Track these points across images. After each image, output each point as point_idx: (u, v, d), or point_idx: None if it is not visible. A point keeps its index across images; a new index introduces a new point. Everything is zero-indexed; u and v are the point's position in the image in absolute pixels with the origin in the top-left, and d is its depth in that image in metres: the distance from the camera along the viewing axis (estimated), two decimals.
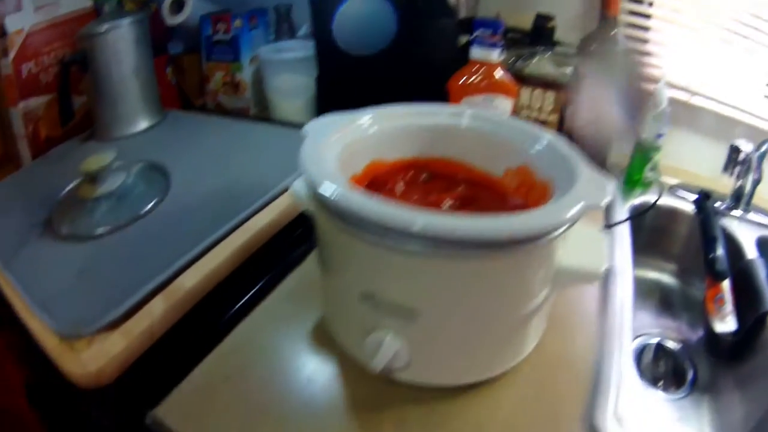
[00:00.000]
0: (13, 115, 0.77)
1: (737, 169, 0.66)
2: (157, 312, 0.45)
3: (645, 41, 0.80)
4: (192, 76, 0.94)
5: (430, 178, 0.50)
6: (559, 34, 0.75)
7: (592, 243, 0.41)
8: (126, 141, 0.74)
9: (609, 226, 0.64)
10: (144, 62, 0.75)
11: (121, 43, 0.71)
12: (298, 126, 0.77)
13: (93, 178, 0.56)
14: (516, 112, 0.75)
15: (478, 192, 0.48)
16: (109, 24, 0.70)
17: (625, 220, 0.66)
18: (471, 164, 0.50)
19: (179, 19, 0.86)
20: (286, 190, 0.57)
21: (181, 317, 0.46)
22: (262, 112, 0.92)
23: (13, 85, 0.75)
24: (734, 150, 0.65)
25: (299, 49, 0.84)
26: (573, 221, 0.35)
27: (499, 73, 0.60)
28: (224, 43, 0.88)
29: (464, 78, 0.61)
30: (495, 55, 0.59)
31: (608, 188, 0.38)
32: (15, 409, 0.69)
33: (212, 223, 0.52)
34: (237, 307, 0.50)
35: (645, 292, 0.74)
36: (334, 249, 0.41)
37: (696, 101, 0.78)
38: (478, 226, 0.32)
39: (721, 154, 0.80)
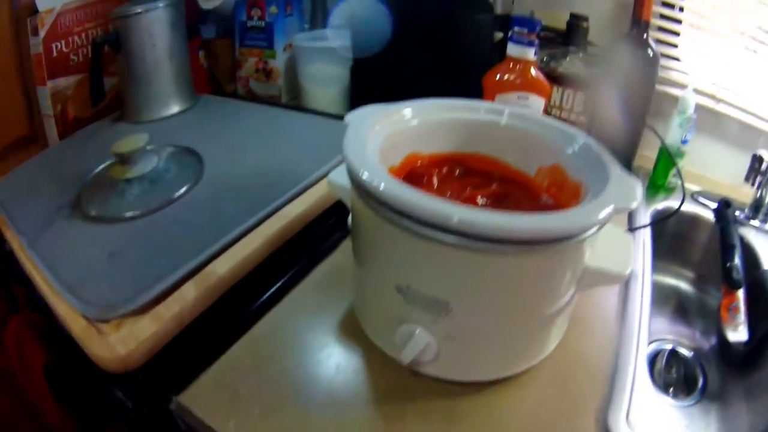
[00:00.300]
0: (41, 94, 0.77)
1: (759, 178, 0.66)
2: (188, 297, 0.45)
3: (674, 45, 0.80)
4: (224, 61, 0.94)
5: (465, 174, 0.50)
6: (591, 35, 0.74)
7: (619, 244, 0.43)
8: (157, 124, 0.74)
9: (632, 229, 0.65)
10: (178, 45, 0.75)
11: (156, 26, 0.72)
12: (332, 116, 0.79)
13: (125, 160, 0.57)
14: (546, 111, 0.75)
15: (511, 189, 0.49)
16: (144, 6, 0.71)
17: (648, 224, 0.66)
18: (505, 161, 0.51)
19: (214, 3, 0.86)
20: (320, 179, 0.58)
21: (211, 304, 0.47)
22: (293, 100, 0.93)
23: (42, 64, 0.75)
24: (757, 159, 0.64)
25: (335, 38, 0.84)
26: (604, 223, 0.36)
27: (533, 72, 0.60)
28: (258, 30, 0.88)
29: (499, 74, 0.61)
30: (531, 53, 0.59)
31: (638, 191, 0.39)
32: (33, 394, 0.69)
33: (245, 210, 0.52)
34: (267, 295, 0.50)
35: (662, 297, 0.75)
36: (371, 240, 0.41)
37: (721, 108, 0.78)
38: (514, 223, 0.33)
39: (744, 163, 0.80)
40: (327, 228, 0.56)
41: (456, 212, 0.33)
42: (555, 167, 0.47)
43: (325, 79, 0.85)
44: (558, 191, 0.47)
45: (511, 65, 0.60)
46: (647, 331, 0.53)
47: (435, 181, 0.48)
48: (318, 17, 0.92)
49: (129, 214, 0.54)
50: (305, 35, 0.89)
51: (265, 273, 0.51)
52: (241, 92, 0.96)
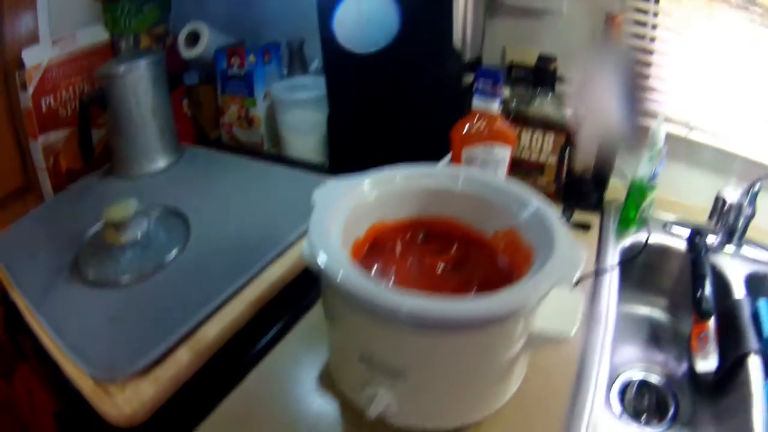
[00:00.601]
0: (34, 148, 0.84)
1: (723, 219, 0.71)
2: (182, 360, 0.52)
3: (646, 76, 0.86)
4: (208, 107, 1.01)
5: (427, 237, 0.57)
6: (562, 70, 0.80)
7: (567, 305, 0.48)
8: (145, 179, 0.82)
9: (598, 272, 0.71)
10: (161, 102, 0.82)
11: (139, 84, 0.78)
12: (310, 166, 0.86)
13: (117, 226, 0.64)
14: (513, 158, 0.80)
15: (470, 252, 0.55)
16: (127, 65, 0.77)
17: (616, 264, 0.72)
18: (464, 224, 0.57)
19: (195, 52, 0.93)
20: (297, 240, 0.65)
21: (203, 364, 0.54)
22: (275, 147, 1.00)
23: (33, 119, 0.82)
24: (719, 201, 0.70)
25: (312, 86, 0.91)
26: (541, 300, 0.42)
27: (499, 123, 0.66)
28: (238, 78, 0.95)
29: (466, 127, 0.67)
30: (495, 105, 0.64)
31: (581, 262, 0.44)
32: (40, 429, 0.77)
33: (229, 276, 0.60)
34: (254, 352, 0.57)
35: (635, 326, 0.81)
36: (336, 314, 0.48)
37: (694, 136, 0.83)
38: (455, 310, 0.39)
39: (720, 187, 0.85)
40: (306, 285, 0.63)
41: (404, 303, 0.39)
42: (510, 231, 0.53)
43: (302, 128, 0.92)
44: (513, 253, 0.53)
45: (476, 117, 0.67)
46: (608, 368, 0.59)
47: (398, 248, 0.54)
48: (295, 64, 0.98)
49: (124, 280, 0.61)
50: (283, 84, 0.95)
51: (250, 332, 0.58)
52: (225, 138, 1.03)
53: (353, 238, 0.53)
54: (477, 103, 0.65)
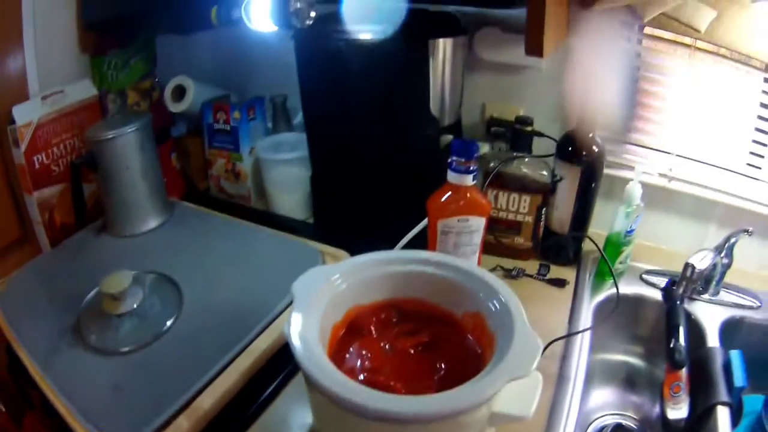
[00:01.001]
0: (29, 202, 0.92)
1: (690, 285, 0.79)
2: (181, 429, 0.61)
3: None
4: (196, 158, 1.09)
5: (401, 317, 0.65)
6: (540, 126, 0.88)
7: (527, 386, 0.55)
8: (137, 240, 0.90)
9: (570, 334, 0.79)
10: (150, 163, 0.89)
11: (128, 149, 0.86)
12: (297, 224, 0.95)
13: (114, 297, 0.72)
14: (494, 213, 0.89)
15: (440, 332, 0.63)
16: (115, 130, 0.84)
17: (588, 329, 0.80)
18: (435, 303, 0.65)
19: (182, 107, 1.00)
20: (283, 311, 0.74)
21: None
22: (262, 200, 1.08)
23: (27, 176, 0.89)
24: (689, 268, 0.78)
25: (295, 144, 0.98)
26: (495, 394, 0.51)
27: (472, 195, 0.72)
28: (225, 132, 1.02)
29: (441, 199, 0.74)
30: (469, 179, 0.70)
31: (536, 357, 0.51)
32: None
33: (220, 347, 0.68)
34: (246, 416, 0.66)
35: (610, 371, 0.89)
36: (313, 396, 0.57)
37: (674, 186, 0.91)
38: (417, 408, 0.47)
39: (701, 232, 0.93)
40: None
41: (371, 401, 0.48)
42: (477, 314, 0.61)
43: (287, 185, 1.00)
44: (480, 335, 0.60)
45: (451, 189, 0.74)
46: (575, 423, 0.67)
47: (373, 330, 0.63)
48: (280, 119, 1.06)
49: (125, 349, 0.70)
50: (267, 142, 1.03)
51: (243, 398, 0.67)
52: (213, 191, 1.11)
53: (332, 323, 0.61)
54: (452, 177, 0.71)
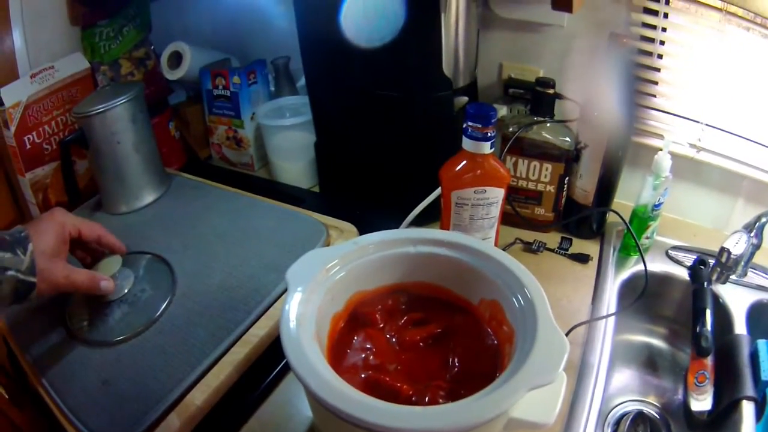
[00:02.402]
0: (23, 184, 0.82)
1: (726, 270, 0.66)
2: (173, 428, 0.52)
3: (652, 95, 0.79)
4: (196, 127, 0.98)
5: (410, 303, 0.54)
6: (561, 86, 0.74)
7: (548, 391, 0.45)
8: (132, 216, 0.79)
9: (592, 320, 0.67)
10: (143, 136, 0.79)
11: (119, 122, 0.75)
12: (302, 194, 0.83)
13: None
14: (513, 182, 0.76)
15: (455, 322, 0.52)
16: (104, 103, 0.73)
17: (613, 314, 0.69)
18: (448, 288, 0.55)
19: (179, 74, 0.89)
20: (280, 296, 0.63)
21: (193, 428, 0.54)
22: (266, 167, 0.97)
23: (18, 157, 0.80)
24: (724, 253, 0.65)
25: (299, 108, 0.87)
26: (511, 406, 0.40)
27: (490, 163, 0.61)
28: (225, 99, 0.91)
29: (456, 168, 0.62)
30: (486, 147, 0.59)
31: (561, 363, 0.41)
32: None
33: (214, 337, 0.59)
34: (242, 410, 0.57)
35: (632, 353, 0.79)
36: (311, 400, 0.47)
37: (702, 157, 0.77)
38: (422, 424, 0.37)
39: (728, 207, 0.81)
40: None
41: (370, 414, 0.37)
42: (495, 303, 0.50)
43: (290, 152, 0.88)
44: (498, 327, 0.50)
45: (466, 159, 0.62)
46: (598, 413, 0.57)
47: (379, 319, 0.52)
48: (282, 83, 0.94)
49: (116, 339, 0.60)
50: (268, 107, 0.91)
51: (239, 392, 0.57)
52: (215, 159, 1.00)
53: (332, 313, 0.51)
54: (467, 144, 0.60)
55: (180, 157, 0.97)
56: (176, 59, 0.91)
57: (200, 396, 0.54)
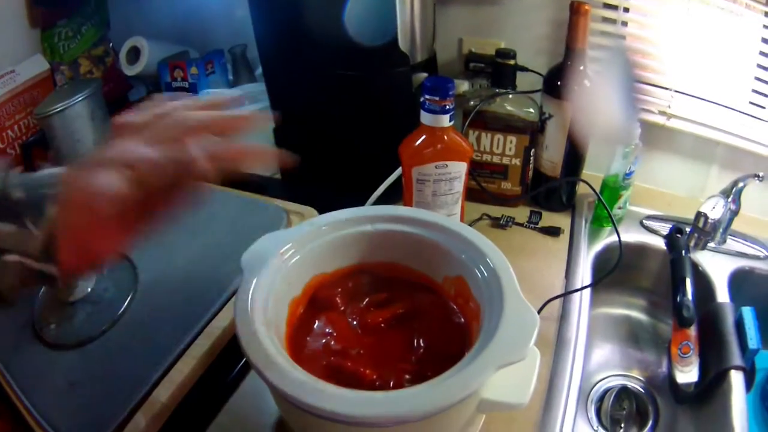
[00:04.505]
0: None
1: (704, 235, 0.63)
2: (140, 427, 0.49)
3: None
4: None
5: (372, 285, 0.50)
6: (524, 61, 0.70)
7: (522, 366, 0.41)
8: None
9: (568, 292, 0.63)
10: (103, 133, 0.74)
11: (76, 121, 0.71)
12: (263, 181, 0.78)
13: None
14: (477, 156, 0.72)
15: (419, 302, 0.49)
16: (63, 103, 0.70)
17: (588, 286, 0.64)
18: (411, 267, 0.51)
19: (137, 69, 0.85)
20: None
21: (161, 426, 0.51)
22: None
23: None
24: (701, 217, 0.61)
25: (256, 95, 0.83)
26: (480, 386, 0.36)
27: (450, 137, 0.58)
28: (184, 90, 0.87)
29: (415, 143, 0.58)
30: (446, 120, 0.56)
31: (531, 338, 0.37)
32: None
33: (176, 331, 0.55)
34: (209, 405, 0.53)
35: (612, 327, 0.75)
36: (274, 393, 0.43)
37: (673, 124, 0.74)
38: (379, 410, 0.34)
39: (702, 174, 0.77)
40: None
41: (328, 402, 0.34)
42: (459, 279, 0.47)
43: (249, 140, 0.82)
44: (464, 304, 0.47)
45: (426, 134, 0.58)
46: (578, 391, 0.54)
47: (340, 302, 0.48)
48: (241, 71, 0.90)
49: (80, 339, 0.57)
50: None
51: (204, 388, 0.54)
52: None
53: (290, 298, 0.47)
54: (425, 118, 0.56)
55: None
56: (135, 54, 0.87)
57: (165, 393, 0.51)
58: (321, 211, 0.69)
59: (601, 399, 0.67)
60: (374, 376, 0.42)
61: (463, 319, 0.47)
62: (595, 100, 0.65)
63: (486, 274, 0.43)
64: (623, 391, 0.68)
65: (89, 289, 0.61)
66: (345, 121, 0.72)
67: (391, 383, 0.42)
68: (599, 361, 0.71)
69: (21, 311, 0.62)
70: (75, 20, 0.84)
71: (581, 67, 0.66)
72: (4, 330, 0.61)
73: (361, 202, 0.67)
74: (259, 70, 0.91)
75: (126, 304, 0.60)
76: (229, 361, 0.56)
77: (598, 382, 0.69)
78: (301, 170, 0.80)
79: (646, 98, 0.75)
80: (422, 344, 0.45)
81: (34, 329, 0.60)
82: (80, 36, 0.85)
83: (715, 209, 0.64)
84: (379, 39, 0.64)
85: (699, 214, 0.62)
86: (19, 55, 0.80)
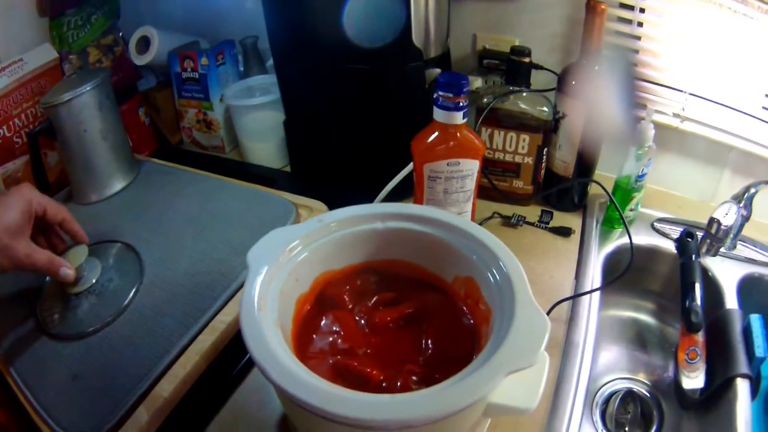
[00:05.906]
0: None
1: (716, 242, 0.61)
2: (142, 422, 0.48)
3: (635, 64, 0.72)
4: (166, 111, 0.92)
5: (380, 284, 0.49)
6: (539, 58, 0.68)
7: (531, 370, 0.40)
8: (101, 205, 0.74)
9: (577, 295, 0.62)
10: (111, 124, 0.73)
11: (85, 111, 0.69)
12: (273, 174, 0.76)
13: None
14: (490, 154, 0.70)
15: (428, 301, 0.47)
16: (70, 92, 0.68)
17: (598, 289, 0.63)
18: (421, 266, 0.49)
19: (147, 58, 0.83)
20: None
21: (162, 422, 0.50)
22: (236, 149, 0.92)
23: None
24: (714, 223, 0.59)
25: (268, 87, 0.81)
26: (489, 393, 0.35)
27: (463, 134, 0.56)
28: (194, 81, 0.86)
29: (427, 139, 0.56)
30: (459, 117, 0.54)
31: (541, 344, 0.36)
32: None
33: (181, 324, 0.54)
34: (213, 400, 0.53)
35: (619, 329, 0.74)
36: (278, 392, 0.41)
37: (686, 127, 0.71)
38: (387, 414, 0.32)
39: (714, 178, 0.75)
40: None
41: (333, 404, 0.32)
42: (469, 280, 0.45)
43: (260, 132, 0.82)
44: (474, 305, 0.45)
45: (438, 131, 0.56)
46: (584, 394, 0.53)
47: (347, 300, 0.47)
48: (251, 62, 0.88)
49: (84, 331, 0.56)
50: (237, 87, 0.85)
51: (207, 383, 0.53)
52: (186, 143, 0.95)
53: (297, 295, 0.46)
54: (438, 115, 0.55)
55: (150, 143, 0.92)
56: (144, 44, 0.85)
57: (168, 387, 0.50)
58: (330, 205, 0.69)
59: (607, 402, 0.66)
60: (381, 377, 0.41)
61: (472, 321, 0.45)
62: (604, 99, 0.63)
63: (498, 278, 0.42)
64: (629, 394, 0.66)
65: (94, 281, 0.59)
66: (356, 115, 0.70)
67: (398, 384, 0.40)
68: (606, 364, 0.69)
69: (24, 302, 0.61)
70: (84, 9, 0.82)
71: (596, 67, 0.64)
72: (8, 320, 0.60)
73: (370, 197, 0.66)
74: (270, 62, 0.89)
75: (131, 296, 0.58)
76: (233, 357, 0.55)
77: (603, 385, 0.67)
78: (311, 163, 0.81)
79: (645, 98, 0.73)
80: (430, 345, 0.44)
81: (37, 320, 0.59)
82: (89, 25, 0.83)
83: (728, 215, 0.62)
84: (391, 34, 0.62)
85: (712, 220, 0.60)
86: (27, 43, 0.78)
